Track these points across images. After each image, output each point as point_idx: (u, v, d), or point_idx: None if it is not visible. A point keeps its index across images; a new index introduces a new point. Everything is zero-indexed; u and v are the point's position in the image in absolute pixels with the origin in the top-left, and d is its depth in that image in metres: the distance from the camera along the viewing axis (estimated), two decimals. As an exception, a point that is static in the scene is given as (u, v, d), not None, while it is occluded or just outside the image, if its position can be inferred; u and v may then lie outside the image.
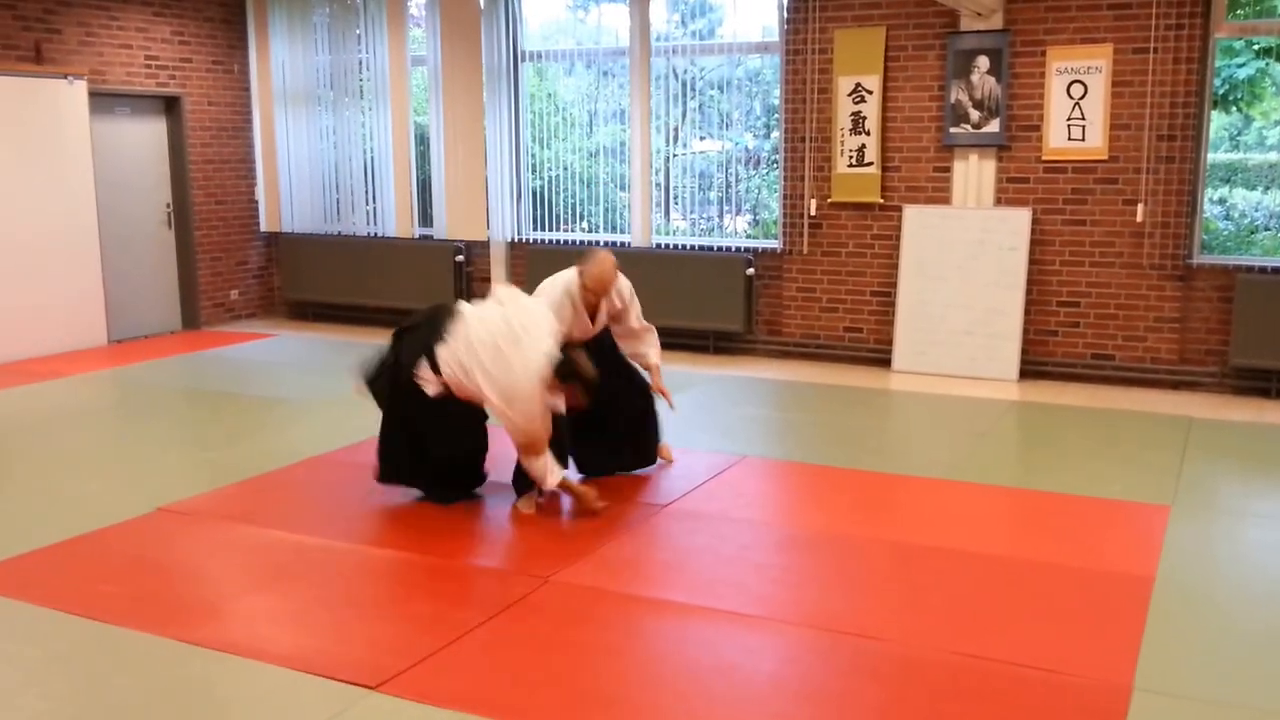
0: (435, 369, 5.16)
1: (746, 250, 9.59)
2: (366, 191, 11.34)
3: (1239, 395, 8.18)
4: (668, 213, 10.38)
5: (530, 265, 10.34)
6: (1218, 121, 9.77)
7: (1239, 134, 9.83)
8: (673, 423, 6.64)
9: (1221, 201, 9.18)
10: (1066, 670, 3.71)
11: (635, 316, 6.04)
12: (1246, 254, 8.80)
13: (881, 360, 9.14)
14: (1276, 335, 7.97)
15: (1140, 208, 8.30)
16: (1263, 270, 8.17)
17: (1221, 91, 8.85)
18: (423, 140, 11.09)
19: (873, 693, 3.63)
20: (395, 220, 10.98)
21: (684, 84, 10.17)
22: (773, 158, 9.85)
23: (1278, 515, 5.63)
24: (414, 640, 3.96)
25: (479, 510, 5.54)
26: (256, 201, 11.58)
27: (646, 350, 6.10)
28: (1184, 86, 8.13)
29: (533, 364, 4.97)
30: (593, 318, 5.79)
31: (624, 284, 5.91)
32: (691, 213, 10.40)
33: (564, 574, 4.61)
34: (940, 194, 8.91)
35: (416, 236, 11.06)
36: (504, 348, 5.00)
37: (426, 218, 11.09)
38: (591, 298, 5.68)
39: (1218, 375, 8.30)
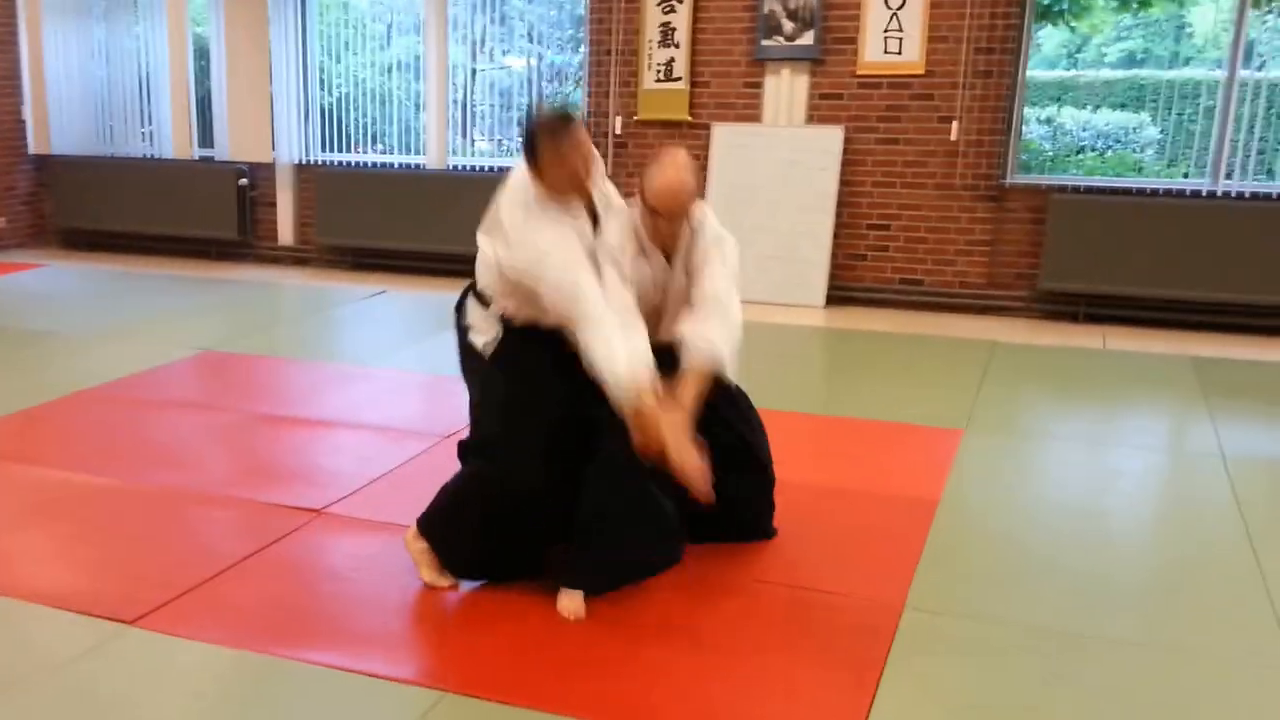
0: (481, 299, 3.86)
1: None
2: (142, 110, 10.93)
3: (1047, 320, 8.40)
4: (467, 133, 10.23)
5: (319, 189, 10.16)
6: (1055, 38, 9.99)
7: (1078, 51, 10.08)
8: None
9: (1049, 121, 9.42)
10: (842, 591, 3.85)
11: (718, 274, 3.79)
12: (1066, 174, 9.09)
13: (690, 288, 9.19)
14: (1086, 258, 8.20)
15: (955, 125, 8.42)
16: (1075, 190, 8.40)
17: (1047, 3, 9.05)
18: (203, 54, 10.65)
19: (651, 614, 3.71)
20: (173, 141, 10.62)
21: (485, -8, 10.07)
22: (579, 74, 9.85)
23: (1069, 436, 5.81)
24: (176, 574, 3.92)
25: (251, 442, 5.48)
26: (23, 121, 11.01)
27: (709, 338, 3.67)
28: (1004, -4, 8.25)
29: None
30: (669, 260, 3.88)
31: (710, 218, 3.91)
32: (495, 133, 10.35)
33: (335, 506, 4.59)
34: (751, 111, 8.90)
35: (196, 158, 10.70)
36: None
37: (207, 138, 10.72)
38: (662, 225, 3.77)
39: (1026, 300, 8.55)
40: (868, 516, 4.57)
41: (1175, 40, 9.49)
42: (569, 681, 3.27)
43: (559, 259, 3.48)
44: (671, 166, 3.68)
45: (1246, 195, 8.14)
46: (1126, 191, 8.39)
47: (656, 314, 3.84)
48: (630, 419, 3.37)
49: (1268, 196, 8.10)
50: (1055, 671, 3.33)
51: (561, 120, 3.54)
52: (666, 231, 3.77)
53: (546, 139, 3.52)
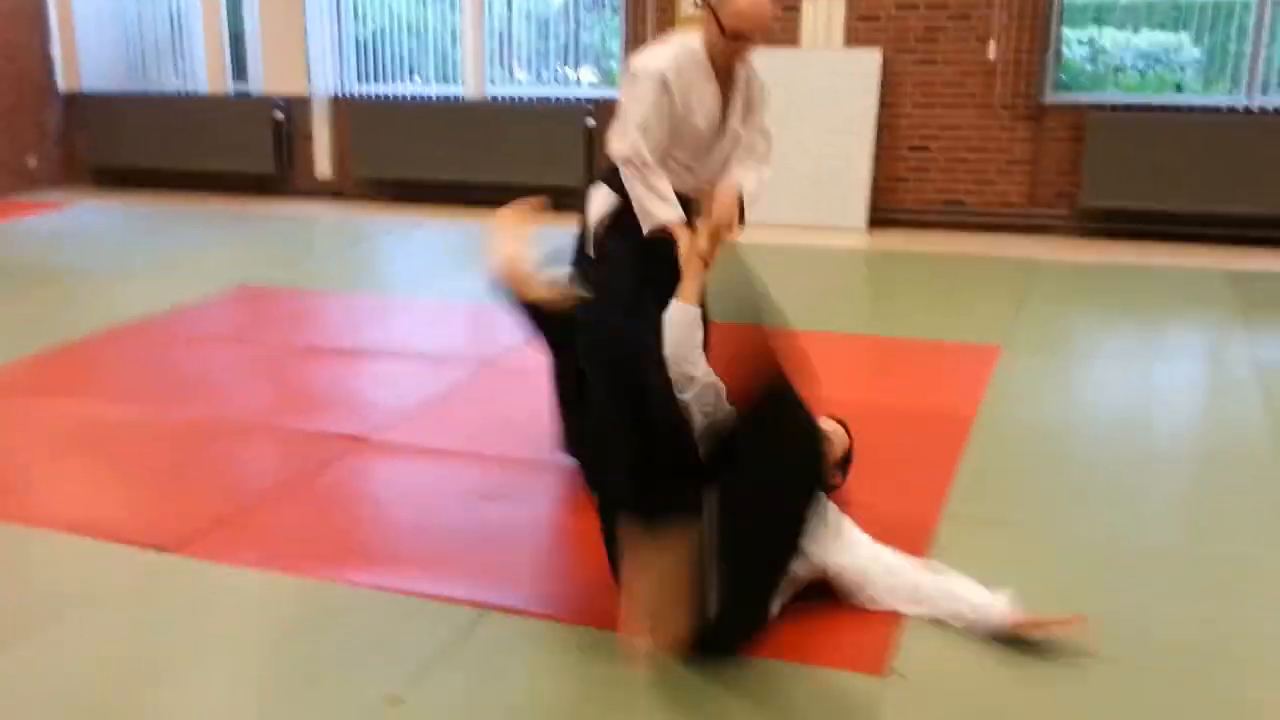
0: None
1: (588, 101, 9.67)
2: (175, 45, 10.98)
3: (1087, 238, 8.53)
4: (506, 64, 10.27)
5: (356, 122, 10.27)
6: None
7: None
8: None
9: (1090, 42, 9.46)
10: (880, 505, 3.84)
11: (767, 121, 4.08)
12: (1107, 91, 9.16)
13: (730, 213, 9.29)
14: (1125, 175, 8.30)
15: (992, 44, 8.51)
16: (1113, 108, 8.49)
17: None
18: (234, -15, 10.84)
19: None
20: (208, 75, 10.73)
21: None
22: (617, 2, 9.88)
23: (1106, 352, 5.92)
24: (218, 503, 3.98)
25: (290, 373, 5.56)
26: (51, 58, 11.07)
27: (743, 175, 3.98)
28: (1037, -85, 8.28)
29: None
30: (726, 102, 3.87)
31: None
32: (533, 64, 10.44)
33: (378, 433, 4.64)
34: (788, 35, 8.96)
35: (231, 93, 10.82)
36: None
37: (241, 73, 10.82)
38: (742, 48, 3.76)
39: (1067, 218, 8.67)
40: (905, 433, 4.62)
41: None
42: (609, 598, 3.25)
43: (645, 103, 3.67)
44: None
45: (1282, 110, 8.22)
46: (1162, 109, 8.50)
47: (706, 149, 3.92)
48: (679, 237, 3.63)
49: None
50: (1093, 580, 3.39)
51: None
52: (739, 58, 3.78)
53: None
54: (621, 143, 3.74)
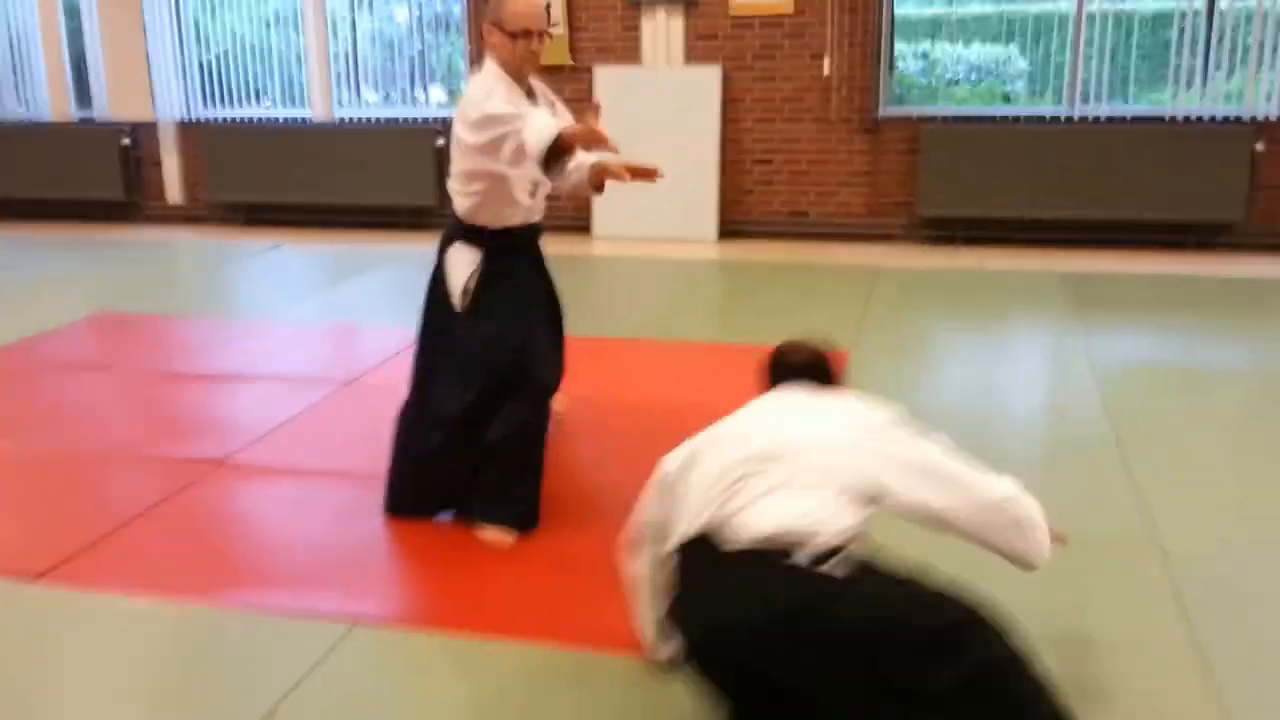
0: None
1: (438, 121, 9.74)
2: (14, 71, 10.81)
3: (927, 244, 8.88)
4: (354, 85, 10.33)
5: (206, 146, 10.21)
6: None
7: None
8: (364, 302, 6.98)
9: (925, 56, 9.86)
10: None
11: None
12: (939, 104, 9.58)
13: (582, 227, 9.45)
14: (959, 184, 8.67)
15: (826, 61, 8.83)
16: (945, 120, 8.89)
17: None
18: (73, 13, 10.55)
19: (550, 540, 3.94)
20: (50, 101, 10.63)
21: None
22: (461, 23, 9.94)
23: (948, 351, 6.30)
24: (79, 530, 4.00)
25: (149, 400, 5.57)
26: (-111, 86, 10.88)
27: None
28: (865, -66, 8.60)
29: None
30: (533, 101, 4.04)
31: None
32: (382, 85, 10.53)
33: (238, 455, 4.71)
34: (630, 53, 9.18)
35: (76, 120, 10.70)
36: None
37: (85, 98, 10.69)
38: (534, 45, 3.92)
39: (907, 226, 9.02)
40: None
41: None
42: (473, 606, 3.44)
43: (501, 101, 3.77)
44: None
45: (1102, 119, 8.68)
46: (991, 119, 8.91)
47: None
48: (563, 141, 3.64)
49: (1120, 120, 8.65)
50: (938, 571, 3.58)
51: None
52: (532, 59, 3.93)
53: None
54: (531, 133, 3.69)
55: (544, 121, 3.68)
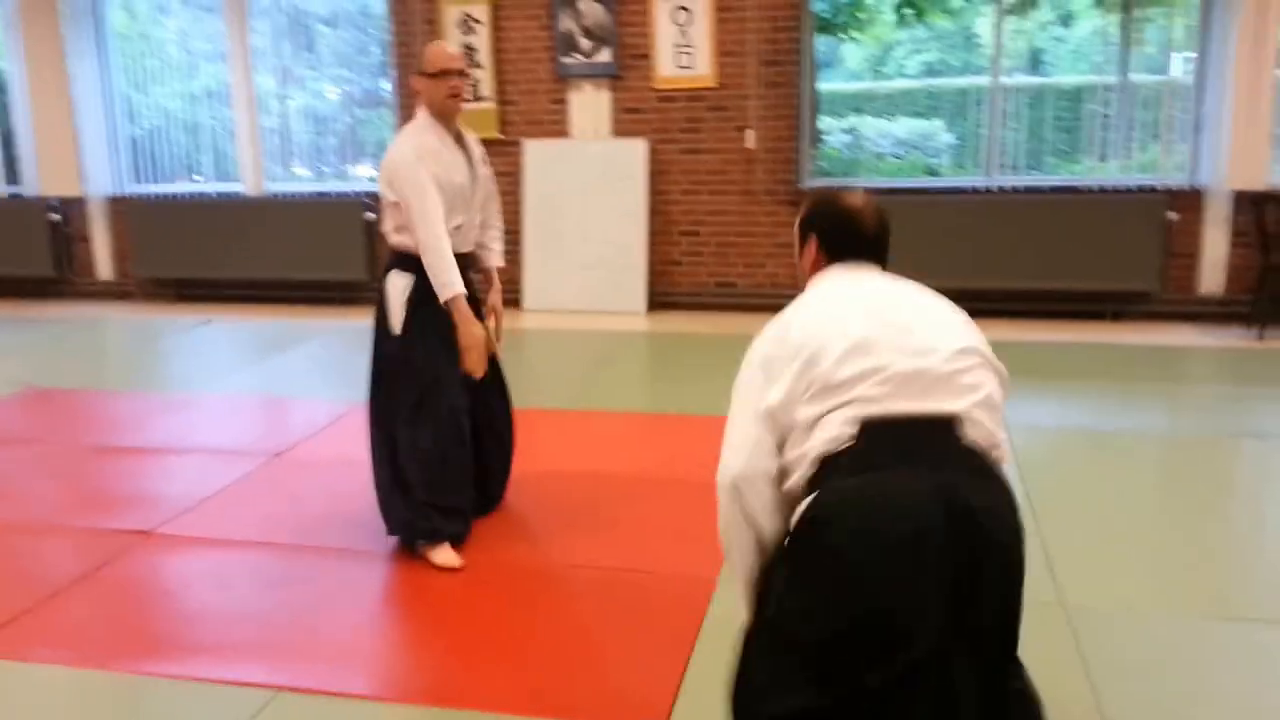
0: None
1: (367, 195, 9.75)
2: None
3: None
4: (284, 160, 10.42)
5: (136, 222, 10.22)
6: (859, 52, 10.74)
7: (881, 64, 10.81)
8: (293, 376, 7.02)
9: (851, 131, 10.12)
10: (659, 570, 4.17)
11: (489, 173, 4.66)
12: (864, 178, 9.80)
13: (511, 300, 9.55)
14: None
15: (750, 133, 9.05)
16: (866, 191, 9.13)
17: (827, 17, 9.76)
18: (1, 87, 10.69)
19: (490, 601, 4.02)
20: (-23, 178, 10.61)
21: (290, 20, 10.26)
22: (390, 99, 10.10)
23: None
24: (3, 601, 4.04)
25: (78, 473, 5.56)
26: None
27: (492, 240, 4.73)
28: (785, 11, 8.81)
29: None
30: (465, 152, 4.43)
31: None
32: (313, 160, 10.63)
33: (166, 526, 4.75)
34: (559, 127, 9.32)
35: (4, 195, 10.68)
36: None
37: (13, 174, 10.71)
38: (454, 84, 4.29)
39: (830, 296, 9.20)
40: (683, 501, 4.87)
41: (966, 50, 10.27)
42: (405, 675, 3.52)
43: (424, 200, 4.17)
44: (430, 46, 4.42)
45: (1021, 189, 8.90)
46: (914, 191, 9.13)
47: (468, 200, 4.41)
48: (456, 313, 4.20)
49: (1038, 190, 8.87)
50: None
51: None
52: (455, 98, 4.31)
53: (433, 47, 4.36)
54: (426, 230, 4.17)
55: (451, 278, 4.18)
